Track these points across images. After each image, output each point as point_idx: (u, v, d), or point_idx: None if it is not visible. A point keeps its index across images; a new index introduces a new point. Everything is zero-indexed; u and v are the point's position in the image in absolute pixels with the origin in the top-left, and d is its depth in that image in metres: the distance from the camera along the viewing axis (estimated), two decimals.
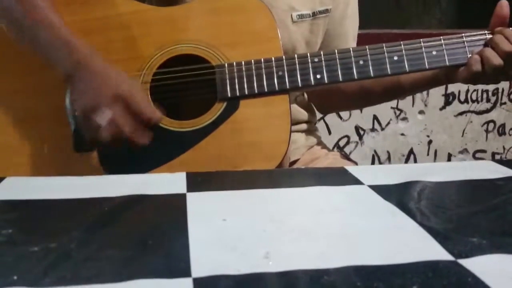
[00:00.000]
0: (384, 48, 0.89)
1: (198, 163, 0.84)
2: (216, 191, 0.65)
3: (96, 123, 0.76)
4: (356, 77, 0.88)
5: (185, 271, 0.44)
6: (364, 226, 0.55)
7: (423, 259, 0.46)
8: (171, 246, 0.49)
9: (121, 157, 0.85)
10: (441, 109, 2.10)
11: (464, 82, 0.91)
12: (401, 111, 2.06)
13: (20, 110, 0.88)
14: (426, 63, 0.88)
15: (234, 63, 0.87)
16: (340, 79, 0.88)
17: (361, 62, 0.88)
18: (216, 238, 0.51)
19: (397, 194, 0.63)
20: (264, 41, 0.89)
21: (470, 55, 0.88)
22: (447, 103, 2.09)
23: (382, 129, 2.07)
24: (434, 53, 0.88)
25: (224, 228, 0.53)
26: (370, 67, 0.88)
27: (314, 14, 0.99)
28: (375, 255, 0.47)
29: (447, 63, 0.89)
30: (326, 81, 0.88)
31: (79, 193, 0.62)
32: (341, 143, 2.03)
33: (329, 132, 2.00)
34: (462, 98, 2.10)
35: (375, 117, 2.05)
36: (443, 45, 0.89)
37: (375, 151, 2.08)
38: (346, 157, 1.10)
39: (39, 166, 0.86)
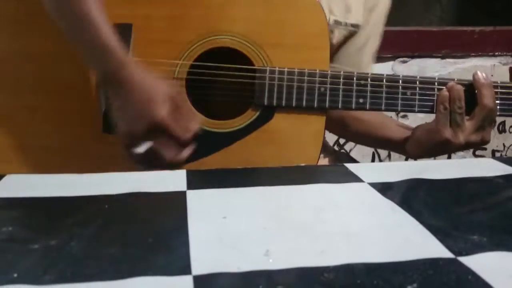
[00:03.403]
0: (436, 83, 0.84)
1: (222, 167, 0.83)
2: (216, 189, 0.65)
3: (134, 152, 0.74)
4: (399, 109, 0.84)
5: (185, 269, 0.44)
6: (364, 223, 0.55)
7: (423, 257, 0.46)
8: (171, 243, 0.49)
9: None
10: None
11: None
12: None
13: (49, 75, 0.84)
14: None
15: (277, 70, 0.83)
16: (383, 108, 0.84)
17: (408, 94, 0.84)
18: (216, 236, 0.51)
19: (397, 192, 0.63)
20: (312, 48, 0.84)
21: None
22: None
23: None
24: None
25: (224, 225, 0.53)
26: (416, 102, 0.83)
27: (346, 24, 0.97)
28: (375, 253, 0.47)
29: None
30: (367, 107, 0.84)
31: (79, 191, 0.62)
32: (341, 141, 2.03)
33: None
34: None
35: None
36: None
37: (375, 149, 2.08)
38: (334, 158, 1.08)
39: (63, 138, 0.84)
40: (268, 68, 0.83)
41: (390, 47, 1.80)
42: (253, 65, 0.84)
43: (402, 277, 0.43)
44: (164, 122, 0.75)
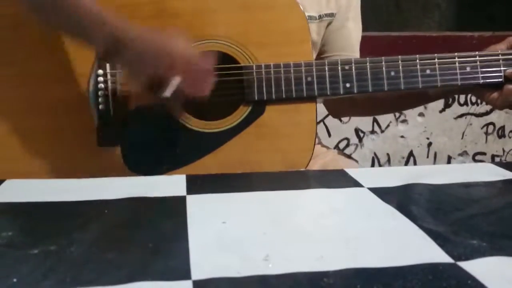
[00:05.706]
0: (418, 60, 0.86)
1: (220, 166, 0.83)
2: (216, 194, 0.65)
3: (163, 96, 0.74)
4: (386, 88, 0.86)
5: (185, 274, 0.44)
6: (364, 228, 0.55)
7: (422, 262, 0.46)
8: (171, 248, 0.49)
9: (144, 155, 0.85)
10: (441, 111, 2.09)
11: (496, 108, 0.90)
12: (401, 113, 2.06)
13: (41, 97, 0.85)
14: (458, 79, 0.86)
15: (263, 65, 0.85)
16: (370, 90, 0.86)
17: (392, 73, 0.86)
18: (216, 241, 0.51)
19: (397, 197, 0.63)
20: (295, 43, 0.87)
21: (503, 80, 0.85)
22: (447, 105, 2.09)
23: (382, 131, 2.07)
24: (468, 69, 0.86)
25: (224, 230, 0.53)
26: (401, 79, 0.86)
27: (320, 17, 0.99)
28: (375, 258, 0.47)
29: (480, 80, 0.86)
30: (355, 91, 0.86)
31: (79, 196, 0.62)
32: (341, 146, 2.03)
33: (329, 135, 2.00)
34: (462, 100, 2.10)
35: (374, 120, 2.04)
36: (478, 61, 0.86)
37: (375, 154, 2.08)
38: (346, 154, 1.10)
39: (59, 158, 0.85)
40: (254, 65, 0.85)
41: (389, 52, 1.81)
42: (239, 64, 0.86)
43: (402, 281, 0.43)
44: (184, 52, 0.76)
